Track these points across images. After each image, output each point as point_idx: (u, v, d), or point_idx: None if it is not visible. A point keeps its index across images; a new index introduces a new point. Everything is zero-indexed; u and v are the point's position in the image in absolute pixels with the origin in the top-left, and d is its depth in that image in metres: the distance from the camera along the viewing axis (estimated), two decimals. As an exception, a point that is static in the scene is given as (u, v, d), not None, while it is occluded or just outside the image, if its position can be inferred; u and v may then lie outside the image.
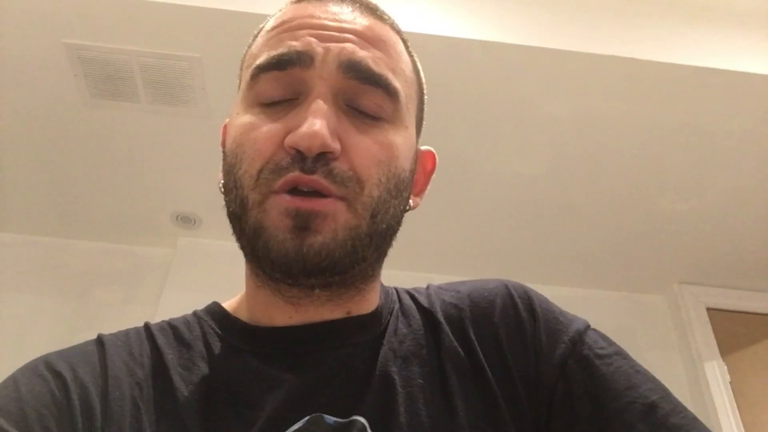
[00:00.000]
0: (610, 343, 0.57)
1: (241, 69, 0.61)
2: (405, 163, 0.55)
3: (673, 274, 2.99)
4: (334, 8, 0.56)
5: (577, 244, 2.78)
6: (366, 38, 0.55)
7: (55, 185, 2.49)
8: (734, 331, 2.89)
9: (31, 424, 0.45)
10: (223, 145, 0.59)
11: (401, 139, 0.55)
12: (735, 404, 2.59)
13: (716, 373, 2.68)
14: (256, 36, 0.60)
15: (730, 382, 2.66)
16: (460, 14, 1.95)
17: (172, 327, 0.58)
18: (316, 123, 0.48)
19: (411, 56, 0.61)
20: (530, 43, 1.93)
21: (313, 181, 0.48)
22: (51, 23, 1.82)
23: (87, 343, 0.55)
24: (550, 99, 2.08)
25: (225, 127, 0.61)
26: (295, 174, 0.49)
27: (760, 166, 2.35)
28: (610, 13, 2.05)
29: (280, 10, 0.60)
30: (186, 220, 2.66)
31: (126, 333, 0.57)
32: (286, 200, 0.49)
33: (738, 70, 2.00)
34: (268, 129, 0.51)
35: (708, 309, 2.93)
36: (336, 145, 0.49)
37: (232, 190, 0.53)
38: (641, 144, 2.25)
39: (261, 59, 0.54)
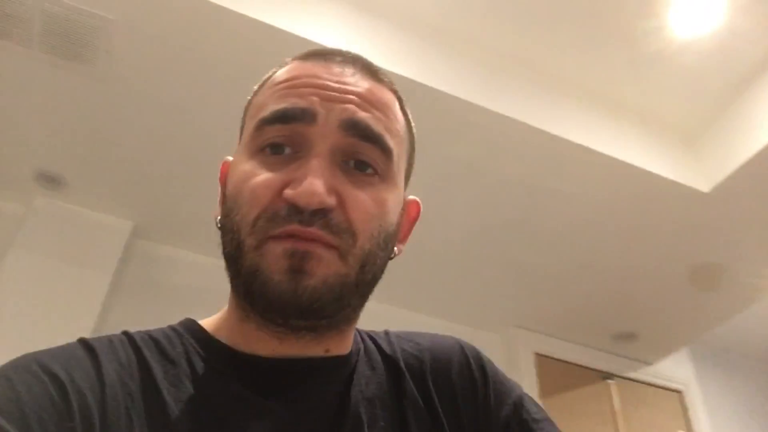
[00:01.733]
0: (540, 408, 0.65)
1: (245, 117, 0.63)
2: (393, 217, 0.59)
3: (511, 318, 3.28)
4: (337, 69, 0.59)
5: (433, 276, 2.97)
6: (366, 100, 0.58)
7: None
8: (554, 377, 3.22)
9: (33, 426, 0.44)
10: (222, 183, 0.62)
11: (392, 196, 0.58)
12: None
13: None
14: (261, 86, 0.63)
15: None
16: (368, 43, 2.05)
17: (153, 340, 0.58)
18: (315, 183, 0.51)
19: (405, 114, 0.65)
20: (433, 85, 2.06)
21: (311, 233, 0.51)
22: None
23: (73, 347, 0.54)
24: (447, 143, 2.23)
25: (225, 165, 0.63)
26: (293, 226, 0.51)
27: (607, 240, 2.69)
28: (522, 80, 2.28)
29: (287, 64, 0.62)
30: (48, 180, 2.49)
31: (109, 340, 0.56)
32: (283, 241, 0.51)
33: (610, 155, 2.30)
34: (266, 178, 0.53)
35: (536, 354, 3.24)
36: (332, 201, 0.52)
37: (228, 232, 0.55)
38: (516, 199, 2.49)
39: (266, 112, 0.56)
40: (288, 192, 0.52)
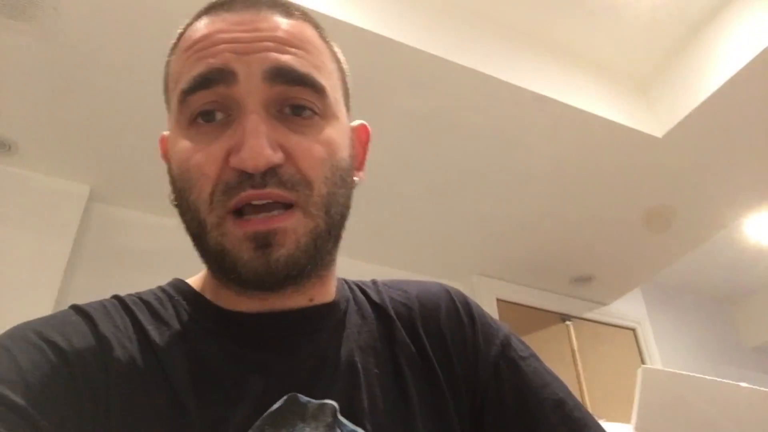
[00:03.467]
0: (526, 346, 0.66)
1: (166, 90, 0.61)
2: (344, 152, 0.58)
3: (474, 266, 3.36)
4: (245, 16, 0.56)
5: (397, 229, 3.01)
6: (283, 41, 0.55)
7: None
8: (515, 321, 3.34)
9: (36, 394, 0.44)
10: (165, 158, 0.60)
11: (337, 132, 0.57)
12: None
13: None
14: (172, 52, 0.60)
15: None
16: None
17: (144, 302, 0.58)
18: (256, 144, 0.50)
19: (326, 42, 0.62)
20: (401, 40, 2.04)
21: (267, 194, 0.51)
22: None
23: (67, 313, 0.54)
24: (406, 96, 2.23)
25: (163, 140, 0.62)
26: (248, 192, 0.50)
27: (564, 188, 2.75)
28: (479, 31, 2.27)
29: (189, 26, 0.59)
30: (-1, 145, 2.41)
31: (102, 304, 0.56)
32: (242, 225, 0.51)
33: (566, 103, 2.33)
34: (209, 151, 0.52)
35: (498, 299, 3.35)
36: (279, 157, 0.51)
37: (187, 212, 0.54)
38: (475, 150, 2.52)
39: (184, 83, 0.54)
40: (233, 159, 0.51)
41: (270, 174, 0.51)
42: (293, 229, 0.52)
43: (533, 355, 0.65)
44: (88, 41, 1.97)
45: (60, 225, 2.46)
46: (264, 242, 0.51)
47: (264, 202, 0.51)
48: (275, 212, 0.51)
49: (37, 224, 2.42)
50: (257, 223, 0.51)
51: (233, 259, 0.51)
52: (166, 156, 0.60)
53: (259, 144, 0.50)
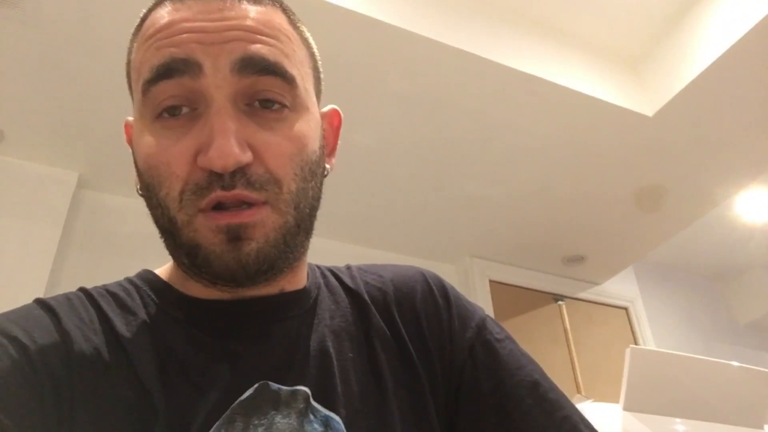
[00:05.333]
0: (502, 329, 0.66)
1: (129, 81, 0.59)
2: (314, 144, 0.57)
3: (466, 248, 3.36)
4: (211, 4, 0.53)
5: (389, 212, 3.00)
6: (252, 30, 0.53)
7: None
8: (508, 302, 3.35)
9: None
10: (130, 144, 0.59)
11: (307, 124, 0.56)
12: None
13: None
14: (133, 41, 0.58)
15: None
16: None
17: (111, 294, 0.57)
18: (224, 144, 0.49)
19: (296, 27, 0.60)
20: (389, 21, 2.01)
21: (235, 195, 0.50)
22: None
23: (29, 307, 0.53)
24: (396, 77, 2.21)
25: (127, 126, 0.61)
26: (217, 193, 0.50)
27: (555, 168, 2.75)
28: (468, 11, 2.25)
29: (152, 11, 0.57)
30: (-16, 133, 2.38)
31: (67, 297, 0.55)
32: (214, 218, 0.50)
33: (556, 83, 2.31)
34: (177, 150, 0.51)
35: (491, 281, 3.35)
36: (248, 156, 0.50)
37: (157, 207, 0.53)
38: (465, 131, 2.50)
39: (146, 73, 0.52)
40: (201, 159, 0.50)
41: (239, 174, 0.50)
42: (262, 223, 0.51)
43: (508, 338, 0.65)
44: (74, 27, 1.94)
45: (49, 212, 2.45)
46: (235, 235, 0.50)
47: (234, 202, 0.51)
48: (244, 206, 0.51)
49: (26, 212, 2.40)
50: (229, 216, 0.50)
51: (206, 254, 0.51)
52: (131, 142, 0.59)
53: (228, 144, 0.49)
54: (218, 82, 0.51)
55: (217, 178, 0.50)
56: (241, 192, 0.50)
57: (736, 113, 2.48)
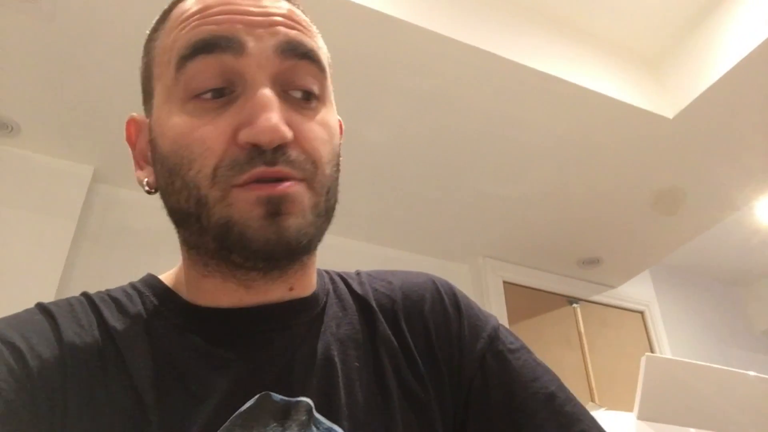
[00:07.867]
0: (517, 338, 0.64)
1: (151, 68, 0.58)
2: (338, 138, 0.58)
3: (480, 248, 3.33)
4: None
5: (403, 211, 2.98)
6: (291, 19, 0.55)
7: None
8: (522, 303, 3.32)
9: None
10: (132, 144, 0.59)
11: (333, 117, 0.57)
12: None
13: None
14: (160, 27, 0.58)
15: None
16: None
17: (113, 299, 0.57)
18: (272, 117, 0.49)
19: (316, 30, 0.62)
20: (403, 18, 1.99)
21: (277, 171, 0.49)
22: None
23: (30, 312, 0.53)
24: (408, 75, 2.19)
25: (132, 123, 0.60)
26: (260, 169, 0.49)
27: (572, 168, 2.71)
28: (483, 7, 2.22)
29: (179, 2, 0.57)
30: (1, 126, 2.39)
31: (68, 302, 0.55)
32: (254, 189, 0.49)
33: (573, 82, 2.27)
34: (215, 126, 0.50)
35: (504, 282, 3.32)
36: (290, 134, 0.50)
37: (182, 190, 0.51)
38: (479, 129, 2.47)
39: (182, 50, 0.52)
40: (245, 133, 0.49)
41: (281, 152, 0.50)
42: (301, 198, 0.51)
43: (523, 347, 0.63)
44: (89, 20, 1.94)
45: (63, 206, 2.46)
46: (275, 209, 0.49)
47: (275, 179, 0.50)
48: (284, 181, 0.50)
49: (41, 205, 2.41)
50: (271, 188, 0.49)
51: (241, 230, 0.49)
52: (133, 139, 0.59)
53: (275, 116, 0.49)
54: (262, 61, 0.51)
55: (258, 155, 0.49)
56: (282, 169, 0.50)
57: (758, 117, 2.43)
